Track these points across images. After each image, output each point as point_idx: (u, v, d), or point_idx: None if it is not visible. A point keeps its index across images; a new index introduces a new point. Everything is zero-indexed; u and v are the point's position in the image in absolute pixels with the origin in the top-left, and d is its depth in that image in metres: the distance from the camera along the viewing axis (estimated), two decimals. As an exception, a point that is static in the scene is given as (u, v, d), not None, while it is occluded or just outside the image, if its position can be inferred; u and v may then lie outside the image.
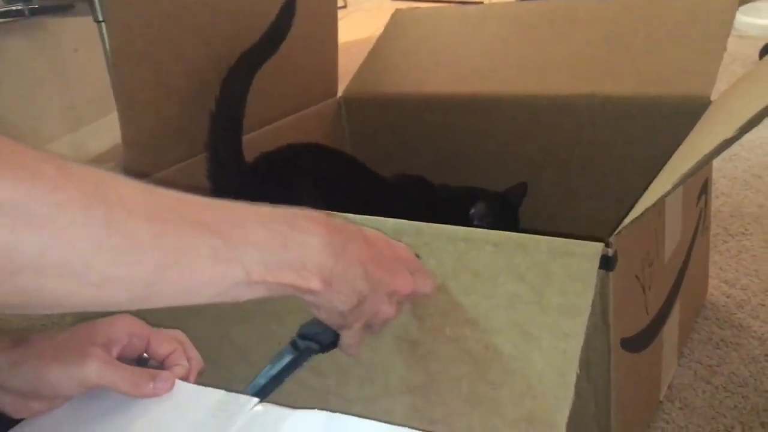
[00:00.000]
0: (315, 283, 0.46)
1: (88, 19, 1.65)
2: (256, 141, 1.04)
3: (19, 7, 1.58)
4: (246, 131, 1.03)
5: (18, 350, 0.48)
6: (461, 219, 1.01)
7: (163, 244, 0.39)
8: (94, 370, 0.47)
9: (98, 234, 0.36)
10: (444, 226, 0.64)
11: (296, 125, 1.15)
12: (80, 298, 0.37)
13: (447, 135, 1.17)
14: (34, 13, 1.62)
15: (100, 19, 1.59)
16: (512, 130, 1.11)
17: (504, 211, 1.05)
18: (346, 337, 0.54)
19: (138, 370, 0.49)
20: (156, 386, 0.48)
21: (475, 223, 1.01)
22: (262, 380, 0.54)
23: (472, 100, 1.13)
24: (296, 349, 0.55)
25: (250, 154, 0.97)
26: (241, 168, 0.94)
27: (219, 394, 0.48)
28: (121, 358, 0.50)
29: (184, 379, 0.50)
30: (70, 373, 0.47)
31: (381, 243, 0.54)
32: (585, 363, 0.63)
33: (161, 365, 0.52)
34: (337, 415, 0.45)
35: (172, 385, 0.49)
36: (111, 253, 0.36)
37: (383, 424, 0.44)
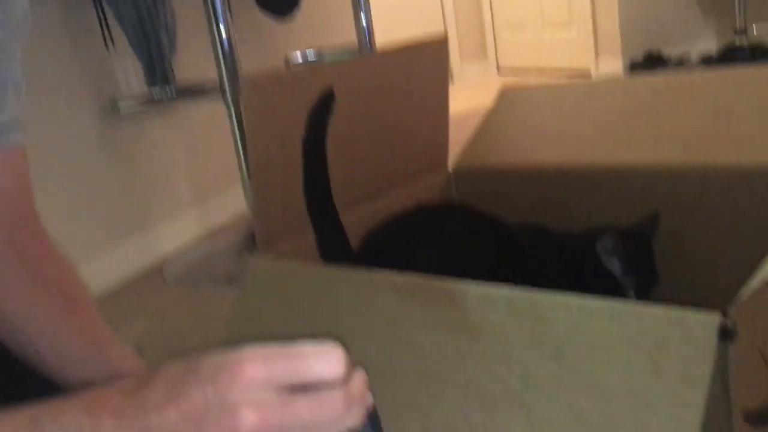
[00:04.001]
0: None
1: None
2: (368, 212, 1.10)
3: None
4: (356, 203, 1.09)
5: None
6: (591, 261, 0.95)
7: None
8: None
9: None
10: (559, 295, 0.66)
11: (406, 196, 1.20)
12: None
13: (557, 205, 1.18)
14: (172, 98, 1.80)
15: (230, 103, 1.75)
16: (623, 199, 1.12)
17: (636, 246, 0.98)
18: None
19: None
20: None
21: (604, 259, 0.93)
22: None
23: (583, 170, 1.15)
24: None
25: (363, 225, 1.02)
26: (343, 242, 0.98)
27: None
28: None
29: None
30: None
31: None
32: (706, 436, 0.62)
33: None
34: None
35: None
36: None
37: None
